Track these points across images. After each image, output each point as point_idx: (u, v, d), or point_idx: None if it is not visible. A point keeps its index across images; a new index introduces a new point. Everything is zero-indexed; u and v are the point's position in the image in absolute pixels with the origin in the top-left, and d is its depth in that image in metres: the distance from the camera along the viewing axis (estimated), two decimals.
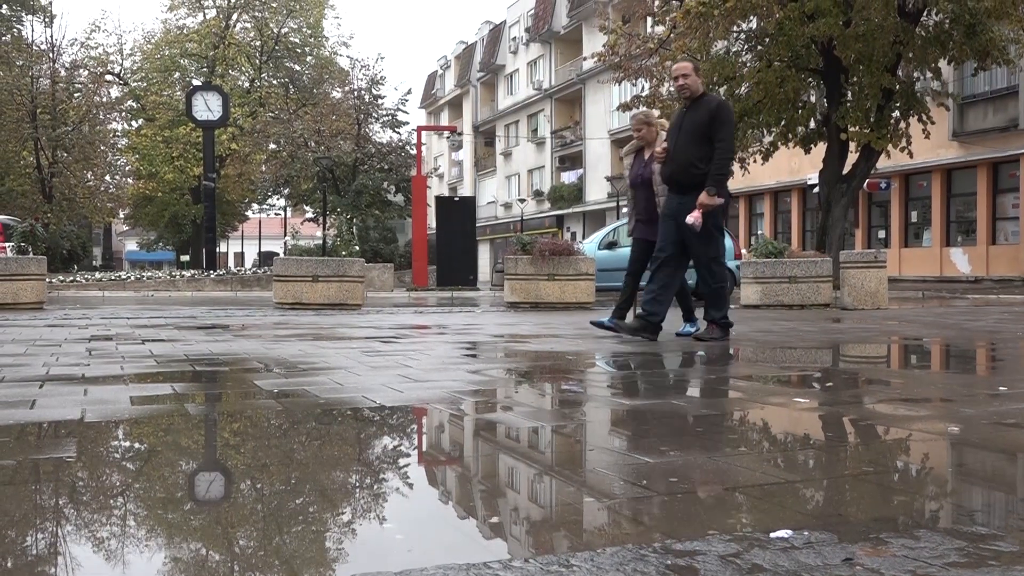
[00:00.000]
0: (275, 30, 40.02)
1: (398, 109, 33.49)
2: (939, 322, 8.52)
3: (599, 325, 6.60)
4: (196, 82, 36.88)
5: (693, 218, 5.79)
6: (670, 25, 18.66)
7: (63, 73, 32.87)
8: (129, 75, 40.40)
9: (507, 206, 51.58)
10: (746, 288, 12.01)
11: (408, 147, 30.85)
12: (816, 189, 19.82)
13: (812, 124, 18.69)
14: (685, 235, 5.96)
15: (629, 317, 6.66)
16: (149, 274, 21.53)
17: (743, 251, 16.18)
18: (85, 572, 1.50)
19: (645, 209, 6.69)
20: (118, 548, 1.63)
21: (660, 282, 6.10)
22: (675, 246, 6.06)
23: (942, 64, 17.76)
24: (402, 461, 2.44)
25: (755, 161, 19.87)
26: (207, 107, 22.58)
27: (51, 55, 32.76)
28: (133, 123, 39.81)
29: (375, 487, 2.12)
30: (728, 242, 16.43)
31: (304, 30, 41.80)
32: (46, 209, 29.98)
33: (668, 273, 6.13)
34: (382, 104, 32.56)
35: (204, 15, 40.75)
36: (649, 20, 24.37)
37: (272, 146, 33.68)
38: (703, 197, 5.81)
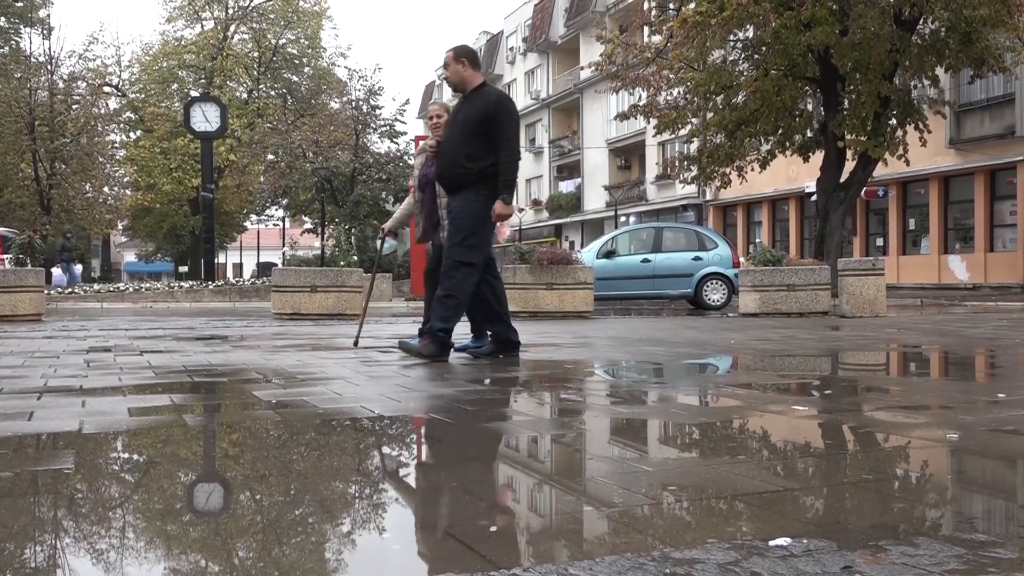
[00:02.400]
0: (273, 41, 40.08)
1: (396, 119, 33.51)
2: (937, 329, 8.52)
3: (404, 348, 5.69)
4: (194, 93, 36.94)
5: (503, 236, 5.31)
6: (667, 34, 18.70)
7: (61, 85, 32.89)
8: (127, 87, 40.44)
9: None
10: (744, 296, 12.01)
11: (406, 157, 30.85)
12: (814, 197, 19.83)
13: (809, 132, 18.72)
14: (448, 232, 5.38)
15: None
16: (148, 285, 21.52)
17: (741, 259, 16.17)
18: None
19: (432, 212, 6.05)
20: (117, 560, 1.63)
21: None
22: None
23: (939, 72, 17.81)
24: (401, 471, 2.44)
25: (753, 169, 19.88)
26: (205, 118, 22.60)
27: (49, 67, 32.79)
28: (131, 134, 39.84)
29: (374, 497, 2.12)
30: (726, 250, 16.44)
31: (302, 41, 41.87)
32: (44, 221, 29.98)
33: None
34: (380, 114, 32.59)
35: (202, 27, 40.82)
36: (646, 29, 24.42)
37: (270, 157, 33.67)
38: (498, 207, 5.21)
